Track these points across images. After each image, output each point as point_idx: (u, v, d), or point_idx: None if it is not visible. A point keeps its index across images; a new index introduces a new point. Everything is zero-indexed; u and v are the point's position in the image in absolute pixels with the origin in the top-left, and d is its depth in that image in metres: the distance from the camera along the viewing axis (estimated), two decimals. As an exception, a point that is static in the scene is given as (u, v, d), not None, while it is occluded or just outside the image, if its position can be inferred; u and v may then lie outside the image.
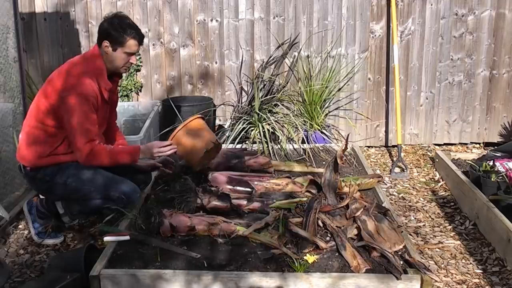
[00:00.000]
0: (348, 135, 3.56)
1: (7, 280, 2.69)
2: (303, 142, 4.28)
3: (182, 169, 3.33)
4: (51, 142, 2.91)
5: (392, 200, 3.73)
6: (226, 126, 4.52)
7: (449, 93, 4.77)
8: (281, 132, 4.16)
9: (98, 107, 2.91)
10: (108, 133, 3.22)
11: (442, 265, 2.85)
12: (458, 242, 3.11)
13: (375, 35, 4.69)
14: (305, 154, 3.98)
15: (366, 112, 4.82)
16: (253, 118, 4.25)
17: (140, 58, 4.72)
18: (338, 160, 2.92)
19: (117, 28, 2.84)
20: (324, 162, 3.84)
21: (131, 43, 2.86)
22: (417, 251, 2.76)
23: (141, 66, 4.76)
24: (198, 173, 3.22)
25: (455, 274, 2.76)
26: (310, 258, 2.47)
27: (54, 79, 2.90)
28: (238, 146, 4.12)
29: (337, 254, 2.54)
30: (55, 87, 2.86)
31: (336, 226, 2.73)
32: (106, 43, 2.87)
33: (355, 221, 2.73)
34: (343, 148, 2.98)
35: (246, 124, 4.25)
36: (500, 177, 3.37)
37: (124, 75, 4.67)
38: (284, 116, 4.29)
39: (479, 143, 4.88)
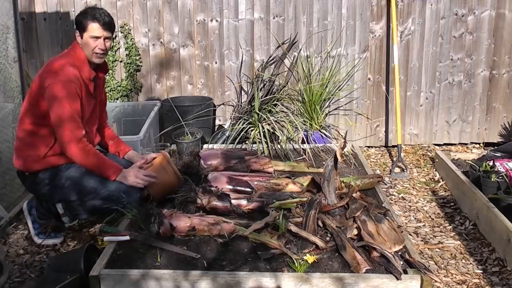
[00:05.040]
0: (346, 132, 3.56)
1: (7, 280, 2.69)
2: (303, 142, 4.27)
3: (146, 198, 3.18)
4: (44, 144, 2.92)
5: (392, 200, 3.73)
6: (226, 126, 4.52)
7: (449, 93, 4.77)
8: (281, 132, 4.16)
9: (82, 96, 2.90)
10: (100, 132, 3.26)
11: (442, 265, 2.85)
12: (458, 242, 3.11)
13: (375, 35, 4.68)
14: (305, 154, 3.98)
15: (366, 112, 4.82)
16: (253, 118, 4.25)
17: (140, 58, 4.72)
18: (338, 157, 2.92)
19: (81, 15, 2.92)
20: (324, 162, 3.83)
21: (93, 26, 2.88)
22: (417, 251, 2.76)
23: (141, 66, 4.76)
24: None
25: (455, 274, 2.76)
26: (310, 258, 2.47)
27: (36, 79, 2.93)
28: (238, 146, 4.12)
29: (337, 254, 2.54)
30: (39, 84, 2.88)
31: (336, 226, 2.73)
32: (77, 33, 2.94)
33: (355, 221, 2.73)
34: (342, 145, 2.98)
35: (246, 124, 4.25)
36: (500, 177, 3.37)
37: (124, 75, 4.71)
38: (284, 116, 4.29)
39: (479, 143, 4.88)
